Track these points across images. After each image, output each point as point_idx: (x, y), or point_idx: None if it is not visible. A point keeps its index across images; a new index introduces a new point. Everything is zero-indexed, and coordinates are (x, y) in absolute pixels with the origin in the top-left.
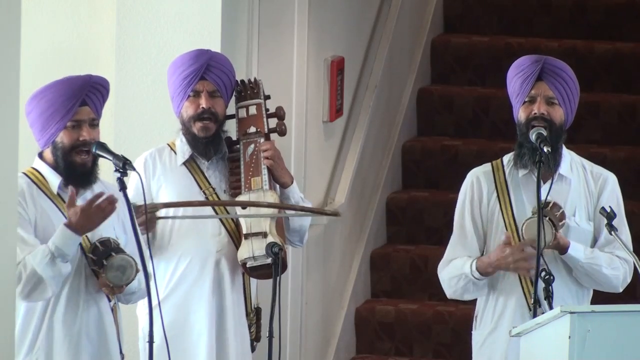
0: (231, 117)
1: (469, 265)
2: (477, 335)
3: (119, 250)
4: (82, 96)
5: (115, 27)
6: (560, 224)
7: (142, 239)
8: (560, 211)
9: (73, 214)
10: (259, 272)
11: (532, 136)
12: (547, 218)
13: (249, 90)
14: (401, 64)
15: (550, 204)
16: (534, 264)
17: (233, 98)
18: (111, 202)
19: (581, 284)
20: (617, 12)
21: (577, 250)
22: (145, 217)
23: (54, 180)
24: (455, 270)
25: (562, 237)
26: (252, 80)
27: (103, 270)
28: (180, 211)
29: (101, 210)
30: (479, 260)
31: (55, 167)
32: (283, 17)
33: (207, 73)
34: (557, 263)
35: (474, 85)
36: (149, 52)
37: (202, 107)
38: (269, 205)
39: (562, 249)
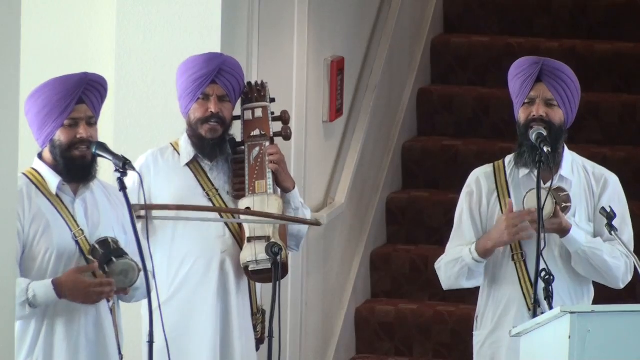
0: (237, 118)
1: (468, 249)
2: (478, 336)
3: (118, 252)
4: (79, 94)
5: (115, 27)
6: (565, 205)
7: (143, 239)
8: (565, 193)
9: (71, 276)
10: (261, 275)
11: (532, 136)
12: (550, 194)
13: (255, 93)
14: (401, 64)
15: (555, 187)
16: (531, 232)
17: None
18: (107, 293)
19: (581, 284)
20: (617, 12)
21: (579, 234)
22: (146, 218)
23: (53, 180)
24: (452, 256)
25: (565, 219)
26: (259, 82)
27: (106, 276)
28: (176, 213)
29: (92, 295)
30: (478, 241)
31: (54, 166)
32: (283, 17)
33: (218, 77)
34: (557, 263)
35: (474, 85)
36: (149, 52)
37: (211, 112)
38: (251, 213)
39: (564, 231)
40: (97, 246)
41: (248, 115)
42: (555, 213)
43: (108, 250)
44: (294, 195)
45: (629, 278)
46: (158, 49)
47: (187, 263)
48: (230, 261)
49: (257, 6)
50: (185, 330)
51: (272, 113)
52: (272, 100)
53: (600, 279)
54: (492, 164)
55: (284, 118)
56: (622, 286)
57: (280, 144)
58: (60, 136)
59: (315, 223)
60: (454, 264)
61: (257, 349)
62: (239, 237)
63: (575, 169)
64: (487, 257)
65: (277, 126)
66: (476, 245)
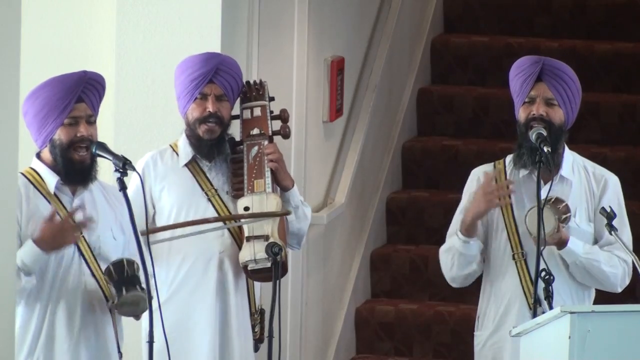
0: (235, 117)
1: (455, 233)
2: (479, 337)
3: (132, 280)
4: (78, 93)
5: (115, 27)
6: (564, 217)
7: (142, 240)
8: (564, 204)
9: (44, 226)
10: (260, 274)
11: (532, 136)
12: (550, 210)
13: (254, 92)
14: (401, 64)
15: (552, 199)
16: (495, 195)
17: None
18: (82, 223)
19: (582, 284)
20: (617, 12)
21: (577, 244)
22: (146, 220)
23: (51, 180)
24: (446, 246)
25: (564, 232)
26: (258, 81)
27: (116, 305)
28: (171, 232)
29: (65, 231)
30: (460, 222)
31: (53, 166)
32: (283, 17)
33: (215, 77)
34: (557, 263)
35: (474, 85)
36: (149, 52)
37: (209, 111)
38: (223, 219)
39: (562, 243)
40: (112, 269)
41: (246, 114)
42: (557, 229)
43: (121, 278)
44: (293, 193)
45: (627, 282)
46: (158, 49)
47: (185, 263)
48: (228, 261)
49: (257, 6)
50: (184, 330)
51: (272, 112)
52: (272, 99)
53: (598, 285)
54: (492, 164)
55: (283, 117)
56: (619, 290)
57: (279, 143)
58: (60, 135)
59: (285, 213)
60: (450, 255)
61: (257, 349)
62: (237, 237)
63: (576, 169)
64: (471, 234)
65: (276, 125)
66: (459, 226)
